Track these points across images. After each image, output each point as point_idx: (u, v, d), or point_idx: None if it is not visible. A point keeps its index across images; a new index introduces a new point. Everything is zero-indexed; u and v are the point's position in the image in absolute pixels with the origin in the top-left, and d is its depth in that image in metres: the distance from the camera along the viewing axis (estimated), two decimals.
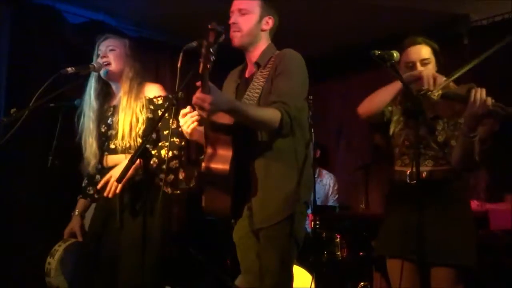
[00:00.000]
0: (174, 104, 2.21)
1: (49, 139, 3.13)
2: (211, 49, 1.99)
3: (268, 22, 2.50)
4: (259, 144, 2.37)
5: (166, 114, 2.70)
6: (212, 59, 2.02)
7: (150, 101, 2.87)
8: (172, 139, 2.75)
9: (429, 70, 2.55)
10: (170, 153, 2.76)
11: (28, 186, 4.21)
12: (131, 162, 2.12)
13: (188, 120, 2.24)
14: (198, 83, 2.07)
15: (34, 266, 3.21)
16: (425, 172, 2.54)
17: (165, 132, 2.79)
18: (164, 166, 2.72)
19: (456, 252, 2.46)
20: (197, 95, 2.04)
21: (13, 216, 4.14)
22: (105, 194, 2.71)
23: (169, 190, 2.81)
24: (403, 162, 2.61)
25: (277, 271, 2.30)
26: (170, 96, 2.87)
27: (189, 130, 2.26)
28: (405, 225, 2.44)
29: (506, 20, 4.91)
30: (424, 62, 2.58)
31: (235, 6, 2.48)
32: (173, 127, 2.74)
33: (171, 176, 2.79)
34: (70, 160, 3.04)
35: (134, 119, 2.80)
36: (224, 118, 2.24)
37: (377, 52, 2.25)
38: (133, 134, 2.79)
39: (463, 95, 2.36)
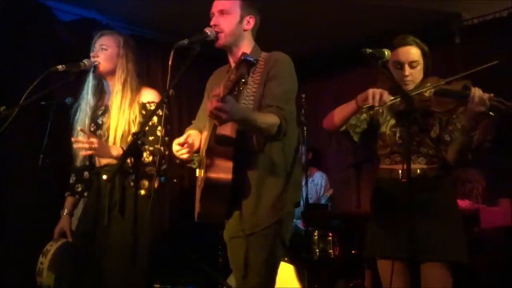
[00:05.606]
0: (165, 102, 2.20)
1: (40, 138, 3.11)
2: (242, 80, 2.03)
3: (250, 22, 2.48)
4: (253, 150, 2.38)
5: (157, 117, 2.72)
6: (240, 89, 2.10)
7: (143, 105, 2.85)
8: (156, 146, 2.74)
9: (414, 74, 2.57)
10: (151, 158, 2.74)
11: (19, 185, 4.18)
12: (123, 160, 2.09)
13: (183, 151, 2.34)
14: (215, 92, 2.14)
15: (26, 265, 3.20)
16: (419, 170, 2.55)
17: (151, 138, 2.77)
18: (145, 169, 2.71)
19: (447, 248, 2.47)
20: (217, 106, 2.05)
21: (4, 215, 4.11)
22: (74, 145, 2.71)
23: (141, 192, 2.77)
24: (393, 160, 2.61)
25: (260, 271, 2.32)
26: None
27: (184, 157, 2.36)
28: (395, 223, 2.45)
29: (497, 19, 4.94)
30: (412, 65, 2.56)
31: (215, 7, 2.46)
32: (159, 134, 2.73)
33: (145, 182, 2.76)
34: (61, 158, 3.02)
35: (126, 128, 2.78)
36: (227, 131, 2.26)
37: (368, 51, 2.25)
38: (124, 142, 2.77)
39: (458, 91, 2.37)
